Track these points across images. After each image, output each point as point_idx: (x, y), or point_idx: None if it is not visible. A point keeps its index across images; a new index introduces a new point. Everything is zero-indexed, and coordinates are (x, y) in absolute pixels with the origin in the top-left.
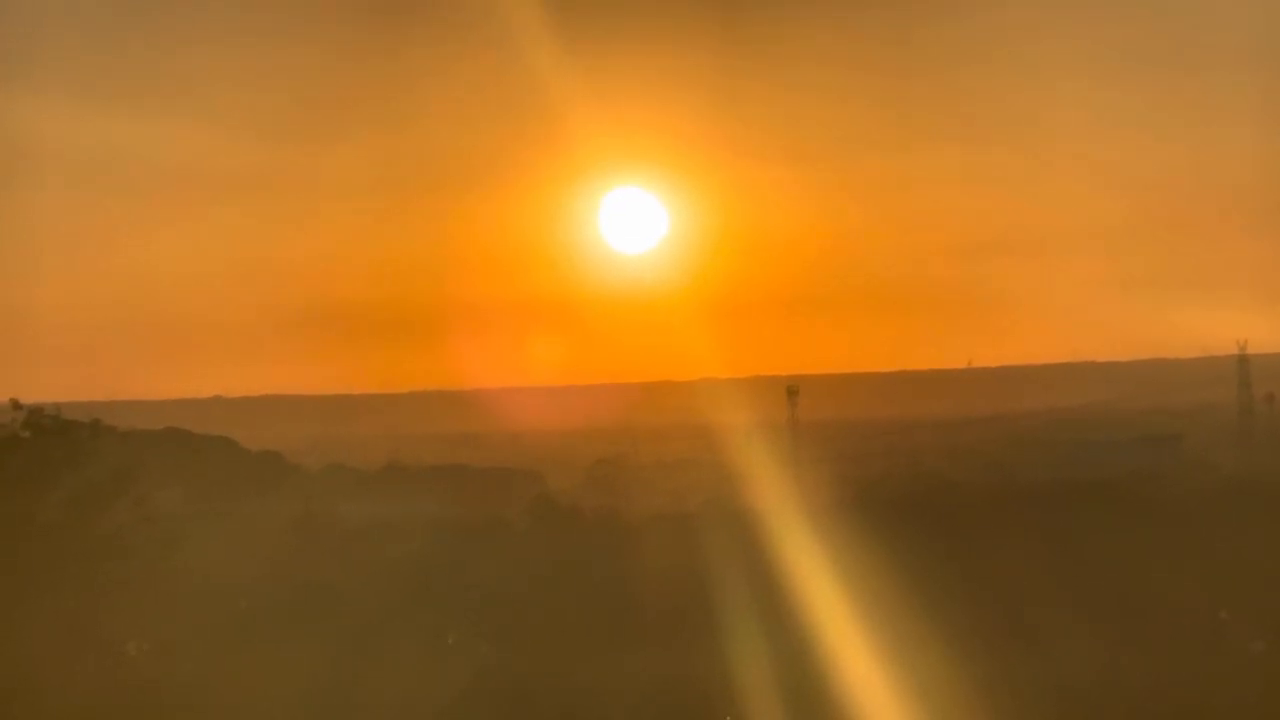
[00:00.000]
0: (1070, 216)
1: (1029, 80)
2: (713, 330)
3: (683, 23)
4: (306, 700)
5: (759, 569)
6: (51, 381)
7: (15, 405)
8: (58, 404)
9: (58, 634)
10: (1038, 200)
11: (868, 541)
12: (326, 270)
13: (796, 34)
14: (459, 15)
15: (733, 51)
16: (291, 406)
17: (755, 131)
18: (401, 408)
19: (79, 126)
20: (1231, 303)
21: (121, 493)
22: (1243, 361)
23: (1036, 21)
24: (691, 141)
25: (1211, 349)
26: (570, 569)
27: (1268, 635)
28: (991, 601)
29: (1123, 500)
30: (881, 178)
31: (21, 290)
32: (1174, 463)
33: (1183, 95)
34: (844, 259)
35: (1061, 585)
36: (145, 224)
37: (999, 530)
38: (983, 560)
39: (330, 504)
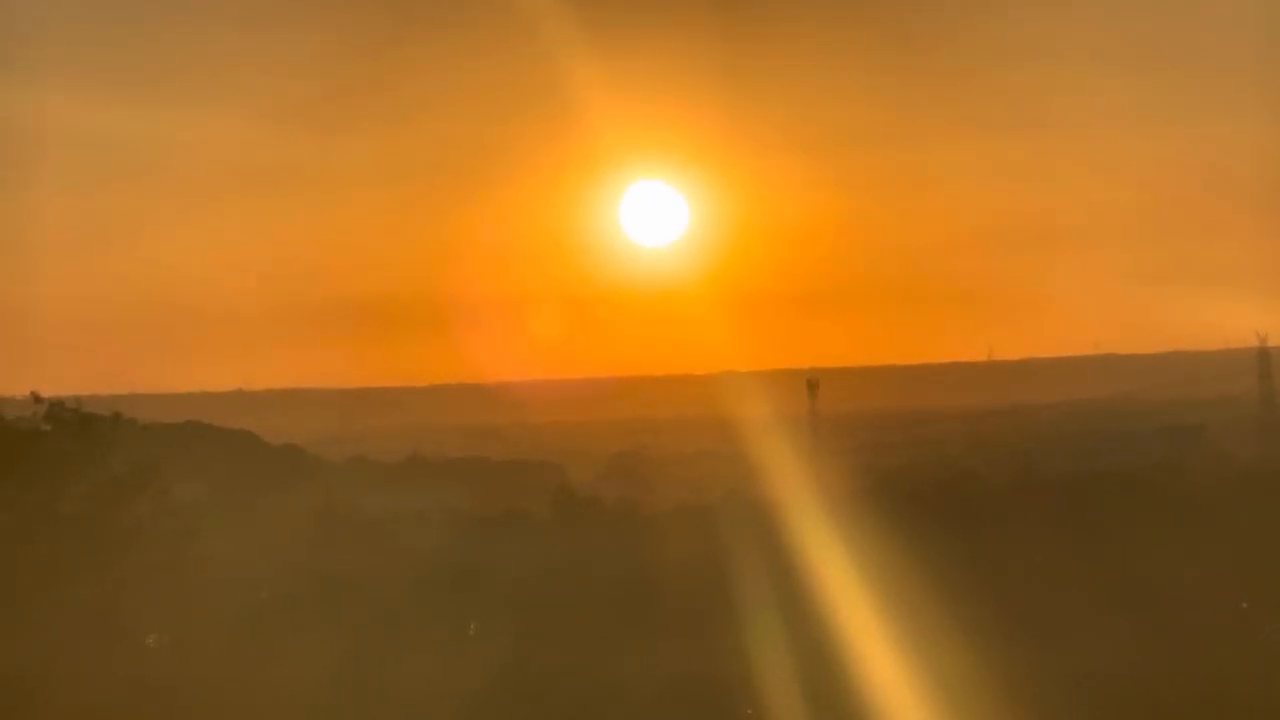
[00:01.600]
0: (1091, 209)
1: (1049, 73)
2: (733, 323)
3: (703, 15)
4: (327, 692)
5: (780, 561)
6: (72, 374)
7: (36, 398)
8: (78, 397)
9: (79, 626)
10: (1058, 193)
11: (889, 533)
12: (346, 263)
13: (817, 28)
14: (478, 6)
15: (753, 45)
16: (312, 399)
17: (776, 125)
18: (422, 400)
19: (94, 117)
20: (1252, 295)
21: (142, 486)
22: (1263, 354)
23: (1056, 14)
24: (712, 135)
25: (1232, 341)
26: (591, 561)
27: None
28: (1013, 592)
29: (1144, 491)
30: (902, 171)
31: (41, 283)
32: (1195, 454)
33: (1204, 88)
34: (864, 252)
35: (1083, 575)
36: (164, 215)
37: (1021, 521)
38: (1004, 551)
39: (351, 496)
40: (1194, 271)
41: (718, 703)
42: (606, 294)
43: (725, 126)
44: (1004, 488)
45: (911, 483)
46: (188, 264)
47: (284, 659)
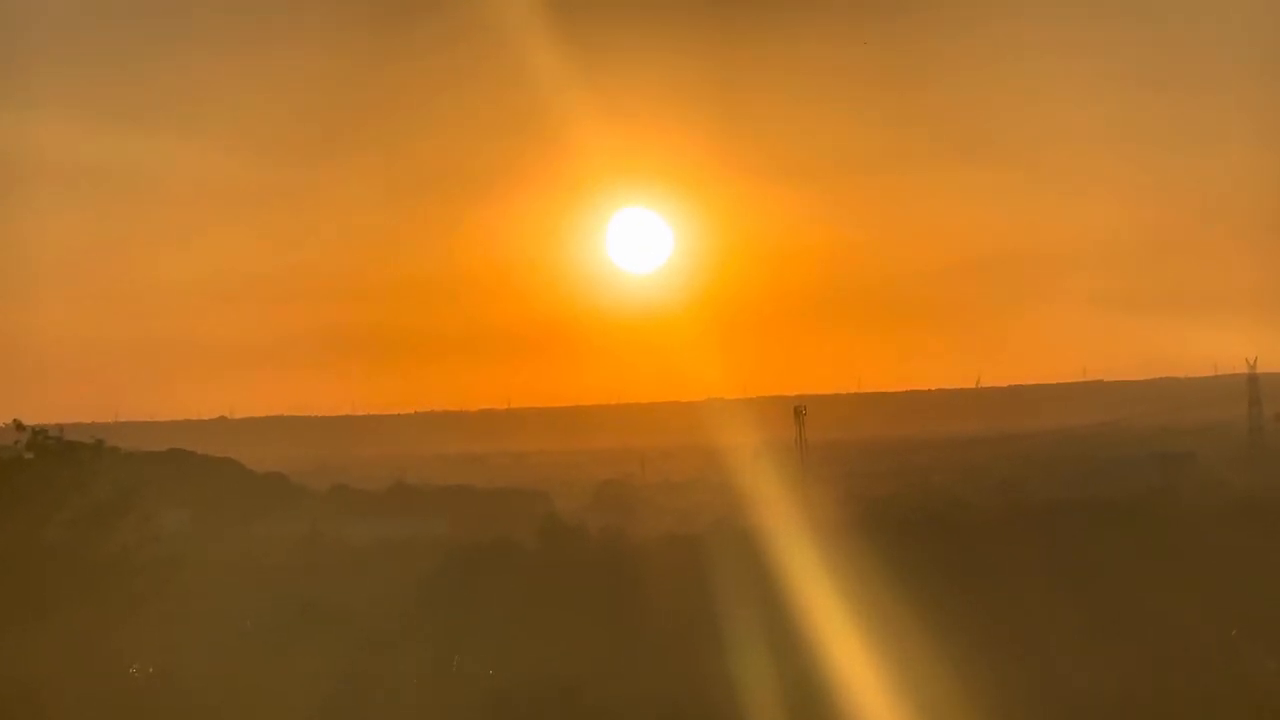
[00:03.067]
0: (1079, 235)
1: (1036, 96)
2: (719, 350)
3: (688, 43)
4: None
5: (768, 590)
6: (55, 402)
7: (19, 426)
8: (61, 425)
9: (62, 655)
10: (1046, 218)
11: (877, 562)
12: (330, 290)
13: (801, 53)
14: (464, 36)
15: (737, 70)
16: (296, 427)
17: (761, 150)
18: (407, 428)
19: (78, 144)
20: (1241, 321)
21: (126, 514)
22: (1253, 380)
23: (1043, 38)
24: (697, 161)
25: (1222, 368)
26: (579, 590)
27: None
28: (1003, 621)
29: (1134, 518)
30: (888, 195)
31: (24, 311)
32: (1185, 480)
33: (1191, 112)
34: (851, 278)
35: (1073, 604)
36: (148, 243)
37: (1010, 549)
38: (994, 579)
39: (336, 525)
40: (1183, 298)
41: None
42: (593, 321)
43: (710, 153)
44: (993, 516)
45: (900, 511)
46: (172, 292)
47: (268, 689)
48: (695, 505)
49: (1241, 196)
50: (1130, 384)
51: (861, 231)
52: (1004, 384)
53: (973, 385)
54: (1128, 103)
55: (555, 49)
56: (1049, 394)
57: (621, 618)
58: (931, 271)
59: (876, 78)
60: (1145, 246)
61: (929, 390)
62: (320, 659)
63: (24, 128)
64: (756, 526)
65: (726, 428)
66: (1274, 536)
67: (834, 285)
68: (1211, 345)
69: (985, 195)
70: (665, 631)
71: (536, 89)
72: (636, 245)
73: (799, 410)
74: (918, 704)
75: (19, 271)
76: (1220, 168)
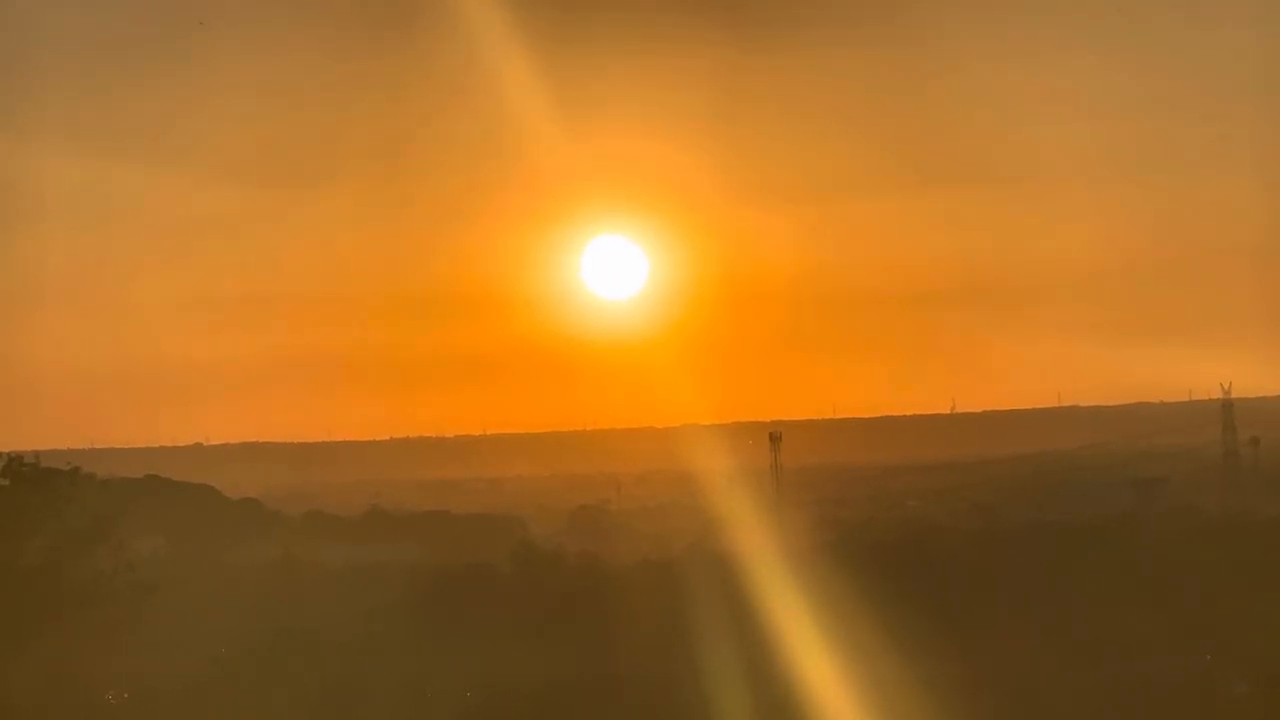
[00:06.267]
0: (1054, 261)
1: (1013, 124)
2: (695, 376)
3: (665, 70)
4: None
5: (744, 616)
6: (30, 429)
7: None
8: (37, 452)
9: (37, 681)
10: (1021, 244)
11: (852, 586)
12: (305, 316)
13: (779, 78)
14: (442, 62)
15: (714, 97)
16: (271, 453)
17: (737, 175)
18: (382, 454)
19: (53, 171)
20: (1216, 347)
21: (101, 540)
22: (1227, 405)
23: (1022, 66)
24: (673, 186)
25: (1196, 393)
26: (554, 614)
27: (1251, 679)
28: (977, 646)
29: (1108, 542)
30: (864, 220)
31: None
32: (1159, 505)
33: (1166, 139)
34: (826, 304)
35: (1047, 628)
36: (124, 268)
37: (984, 573)
38: (968, 604)
39: (311, 550)
40: (1157, 323)
41: None
42: (569, 347)
43: (686, 179)
44: (968, 540)
45: (875, 536)
46: (146, 318)
47: (245, 713)
48: (670, 530)
49: (1216, 223)
50: (1105, 409)
51: (836, 256)
52: (979, 409)
53: (948, 411)
54: (1105, 130)
55: (533, 76)
56: (1024, 419)
57: (596, 641)
58: (907, 297)
59: (853, 102)
60: (1120, 272)
61: (904, 416)
62: (295, 683)
63: None
64: (732, 551)
65: (701, 453)
66: (1246, 561)
67: (809, 311)
68: (1186, 371)
69: (961, 221)
70: (640, 654)
71: (513, 116)
72: (612, 271)
73: (774, 436)
74: None
75: None
76: (1195, 195)
